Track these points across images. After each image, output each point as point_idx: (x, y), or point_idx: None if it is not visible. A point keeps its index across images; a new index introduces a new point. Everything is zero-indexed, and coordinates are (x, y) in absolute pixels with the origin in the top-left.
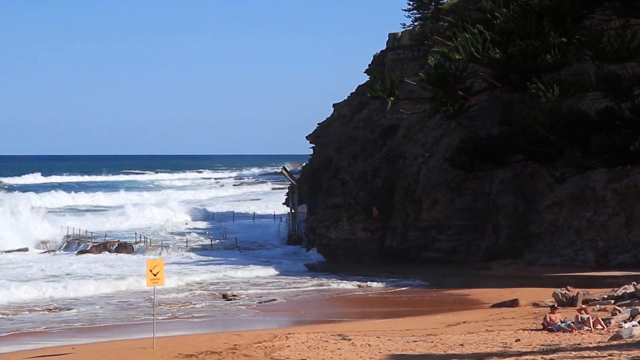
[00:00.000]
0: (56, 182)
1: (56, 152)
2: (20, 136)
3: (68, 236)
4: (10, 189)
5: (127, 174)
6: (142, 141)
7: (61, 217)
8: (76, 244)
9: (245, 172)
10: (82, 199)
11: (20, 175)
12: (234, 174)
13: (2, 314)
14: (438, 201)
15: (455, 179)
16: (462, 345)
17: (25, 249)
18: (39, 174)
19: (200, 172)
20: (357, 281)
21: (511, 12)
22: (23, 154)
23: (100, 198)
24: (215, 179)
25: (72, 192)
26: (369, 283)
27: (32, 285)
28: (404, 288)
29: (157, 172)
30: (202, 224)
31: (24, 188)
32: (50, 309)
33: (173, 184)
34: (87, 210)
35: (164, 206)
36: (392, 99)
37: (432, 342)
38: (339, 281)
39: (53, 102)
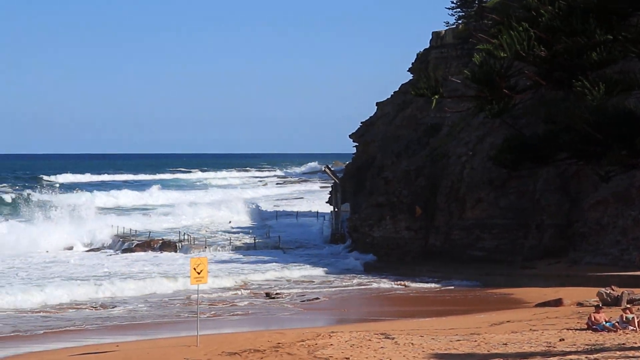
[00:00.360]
0: (107, 180)
1: (96, 150)
2: (57, 133)
3: (117, 235)
4: (63, 187)
5: (173, 172)
6: (188, 139)
7: (108, 216)
8: (120, 242)
9: (288, 170)
10: (128, 197)
11: (60, 174)
12: (277, 172)
13: (47, 312)
14: (482, 200)
15: (499, 177)
16: (505, 344)
17: (71, 248)
18: (89, 173)
19: (248, 170)
20: (400, 280)
21: (557, 9)
22: (60, 152)
23: (144, 196)
24: (259, 177)
25: (116, 190)
26: (412, 282)
27: (76, 284)
28: (448, 287)
29: (203, 171)
30: (246, 223)
31: (76, 187)
32: (94, 307)
33: (218, 183)
34: (133, 209)
35: (208, 205)
36: (436, 97)
37: (475, 341)
38: (382, 280)
39: (91, 99)
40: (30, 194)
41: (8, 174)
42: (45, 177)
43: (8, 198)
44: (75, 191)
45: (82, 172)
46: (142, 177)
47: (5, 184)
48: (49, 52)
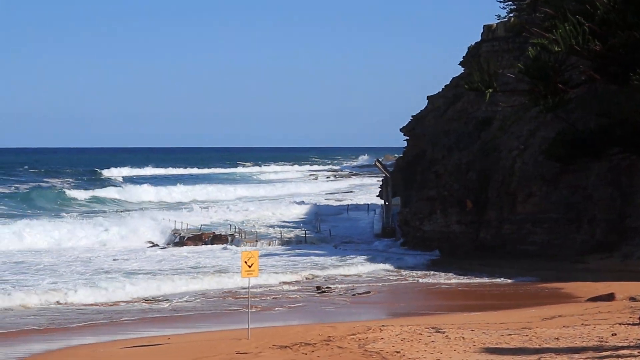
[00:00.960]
0: (161, 174)
1: (153, 144)
2: (118, 127)
3: (176, 230)
4: (128, 180)
5: (225, 166)
6: (241, 134)
7: (159, 210)
8: (171, 234)
9: (339, 164)
10: (180, 191)
11: (116, 167)
12: (328, 166)
13: (100, 305)
14: (533, 194)
15: (550, 171)
16: (557, 339)
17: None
18: (150, 166)
19: (299, 164)
20: (451, 274)
21: (612, 2)
22: (117, 146)
23: (196, 189)
24: (311, 171)
25: (171, 185)
26: (463, 276)
27: (129, 278)
28: (498, 281)
29: (254, 165)
30: (296, 217)
31: (131, 180)
32: (146, 300)
33: (269, 177)
34: (183, 203)
35: (259, 199)
36: (490, 91)
37: (527, 335)
38: (433, 274)
39: (150, 92)
40: (92, 190)
41: (64, 167)
42: (103, 172)
43: (75, 194)
44: (138, 186)
45: (134, 165)
46: (195, 171)
47: (69, 179)
48: (114, 46)
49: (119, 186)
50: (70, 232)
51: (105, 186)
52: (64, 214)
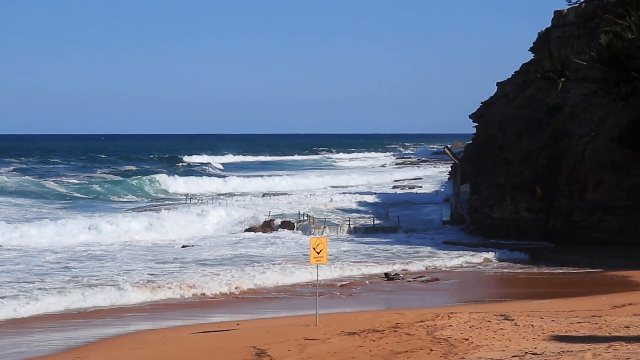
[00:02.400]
0: (238, 162)
1: (219, 130)
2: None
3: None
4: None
5: (308, 153)
6: (312, 121)
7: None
8: (244, 221)
9: (407, 151)
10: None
11: (199, 154)
12: (396, 153)
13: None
14: (604, 181)
15: (621, 158)
16: (627, 327)
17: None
18: (231, 154)
19: (369, 151)
20: (520, 262)
21: None
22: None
23: (267, 179)
24: (379, 158)
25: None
26: (531, 264)
27: (198, 264)
28: (568, 268)
29: (336, 152)
30: (364, 205)
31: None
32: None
33: (339, 165)
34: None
35: (327, 186)
36: (562, 80)
37: (596, 323)
38: (501, 261)
39: (223, 80)
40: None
41: (147, 154)
42: (185, 158)
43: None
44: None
45: (212, 153)
46: (269, 158)
47: (158, 166)
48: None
49: (219, 175)
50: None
51: (200, 175)
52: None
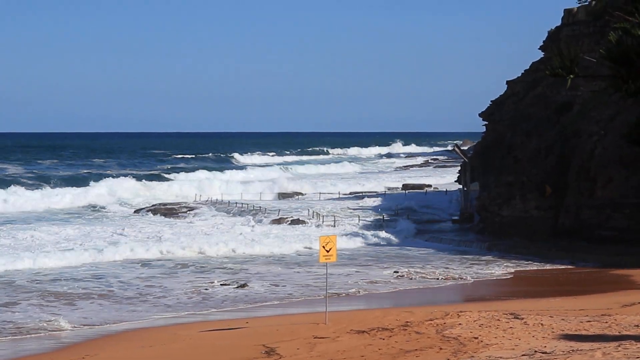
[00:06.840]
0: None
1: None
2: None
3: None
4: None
5: (302, 153)
6: (324, 118)
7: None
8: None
9: (416, 149)
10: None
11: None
12: (405, 150)
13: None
14: (613, 179)
15: (630, 156)
16: (637, 326)
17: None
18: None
19: (377, 147)
20: (530, 260)
21: None
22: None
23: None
24: (388, 155)
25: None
26: (541, 262)
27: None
28: (577, 267)
29: (341, 147)
30: (373, 202)
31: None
32: (225, 284)
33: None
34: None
35: (337, 182)
36: (571, 77)
37: (606, 322)
38: (510, 259)
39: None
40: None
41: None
42: (236, 156)
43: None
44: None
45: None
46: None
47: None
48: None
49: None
50: None
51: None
52: None
